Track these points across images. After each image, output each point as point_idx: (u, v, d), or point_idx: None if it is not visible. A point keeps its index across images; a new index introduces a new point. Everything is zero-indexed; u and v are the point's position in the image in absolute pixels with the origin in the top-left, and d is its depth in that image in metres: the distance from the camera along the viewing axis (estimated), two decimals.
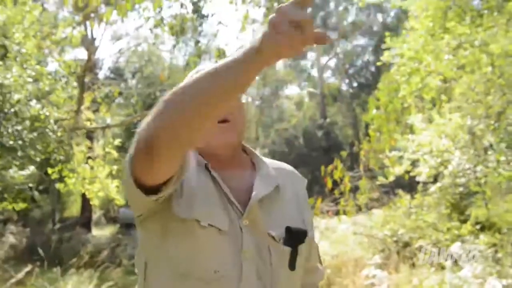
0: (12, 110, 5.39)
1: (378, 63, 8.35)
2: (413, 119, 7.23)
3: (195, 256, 1.19)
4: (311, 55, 28.18)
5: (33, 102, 5.81)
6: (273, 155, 24.36)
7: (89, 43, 12.64)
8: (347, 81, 28.47)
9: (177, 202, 1.19)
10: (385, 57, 7.29)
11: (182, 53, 24.64)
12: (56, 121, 6.30)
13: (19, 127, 5.37)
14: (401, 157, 7.92)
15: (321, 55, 26.64)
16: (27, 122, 5.54)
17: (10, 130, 5.13)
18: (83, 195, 11.26)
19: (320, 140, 23.85)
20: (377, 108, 9.68)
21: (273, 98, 26.73)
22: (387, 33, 7.12)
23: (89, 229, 15.34)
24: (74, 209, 19.45)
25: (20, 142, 5.12)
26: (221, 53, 7.39)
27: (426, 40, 6.90)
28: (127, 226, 15.66)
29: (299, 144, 24.31)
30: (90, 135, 10.64)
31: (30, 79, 5.90)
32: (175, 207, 1.19)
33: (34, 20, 7.05)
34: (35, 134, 5.45)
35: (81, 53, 16.32)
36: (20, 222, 13.18)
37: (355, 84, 28.01)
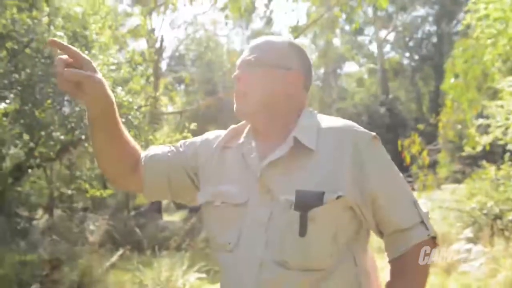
0: None
1: (461, 28, 7.91)
2: (503, 83, 6.78)
3: (214, 231, 1.36)
4: (369, 30, 27.42)
5: (119, 89, 5.93)
6: None
7: (151, 32, 12.83)
8: (407, 54, 27.49)
9: (199, 193, 1.41)
10: (468, 19, 6.88)
11: (239, 37, 24.68)
12: (138, 108, 6.42)
13: None
14: (487, 125, 7.50)
15: (380, 29, 25.82)
16: None
17: None
18: None
19: (383, 116, 23.22)
20: (455, 76, 9.23)
21: (333, 77, 26.26)
22: None
23: (160, 215, 15.70)
24: (143, 197, 19.97)
25: None
26: (293, 30, 7.23)
27: None
28: (196, 211, 15.87)
29: (362, 122, 23.78)
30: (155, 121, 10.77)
31: (113, 67, 6.04)
32: (197, 197, 1.41)
33: (109, 11, 7.19)
34: (123, 120, 5.55)
35: (143, 43, 16.61)
36: (97, 211, 13.61)
37: (416, 57, 27.00)
